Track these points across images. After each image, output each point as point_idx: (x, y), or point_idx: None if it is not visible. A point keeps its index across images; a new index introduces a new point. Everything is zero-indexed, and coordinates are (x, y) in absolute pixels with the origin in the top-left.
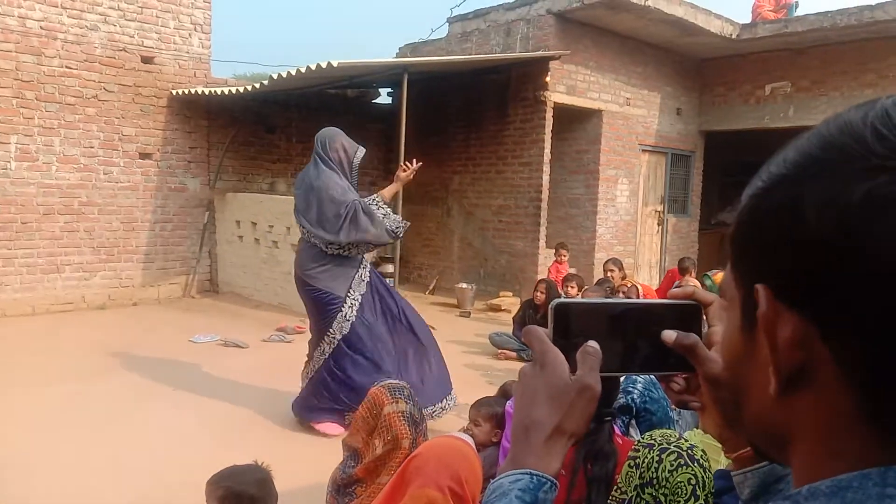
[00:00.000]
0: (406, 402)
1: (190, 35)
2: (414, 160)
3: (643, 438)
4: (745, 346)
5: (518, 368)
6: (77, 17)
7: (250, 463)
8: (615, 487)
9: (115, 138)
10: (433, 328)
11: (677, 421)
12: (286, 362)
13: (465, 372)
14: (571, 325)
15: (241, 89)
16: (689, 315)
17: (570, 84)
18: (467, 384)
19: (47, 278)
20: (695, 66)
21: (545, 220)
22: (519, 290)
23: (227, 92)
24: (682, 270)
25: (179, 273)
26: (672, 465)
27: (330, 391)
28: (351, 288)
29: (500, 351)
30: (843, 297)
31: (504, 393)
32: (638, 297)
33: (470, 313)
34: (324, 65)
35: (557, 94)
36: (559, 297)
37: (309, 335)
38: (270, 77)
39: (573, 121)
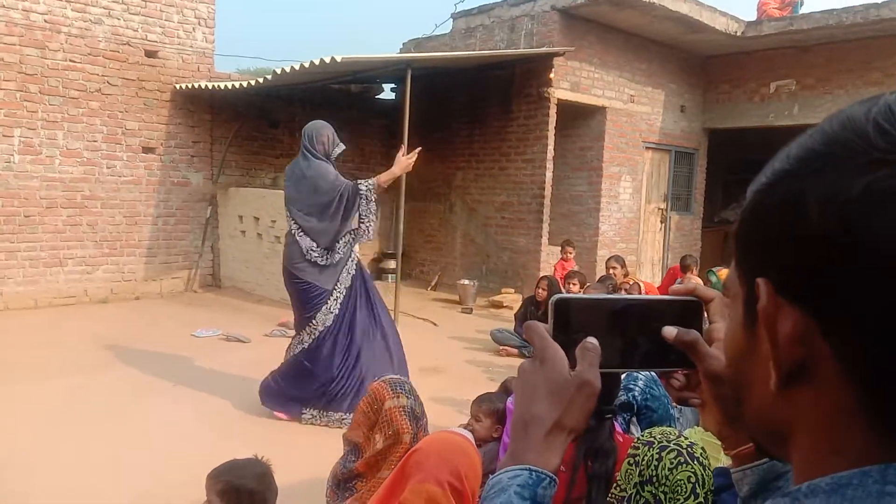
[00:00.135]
0: (407, 396)
1: (194, 29)
2: (417, 151)
3: (643, 436)
4: (747, 342)
5: (519, 365)
6: (81, 11)
7: (250, 457)
8: (615, 485)
9: (119, 132)
10: (435, 324)
11: (678, 418)
12: None
13: (466, 368)
14: (571, 321)
15: (245, 84)
16: (689, 312)
17: (574, 80)
18: (468, 380)
19: (50, 272)
20: (699, 63)
21: (548, 216)
22: (521, 287)
23: (230, 86)
24: (684, 268)
25: (182, 267)
26: (672, 463)
27: (297, 380)
28: (338, 281)
29: (501, 347)
30: (843, 292)
31: (505, 389)
32: (640, 295)
33: (472, 310)
34: (327, 60)
35: (561, 90)
36: (560, 293)
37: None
38: (274, 72)
39: (577, 117)
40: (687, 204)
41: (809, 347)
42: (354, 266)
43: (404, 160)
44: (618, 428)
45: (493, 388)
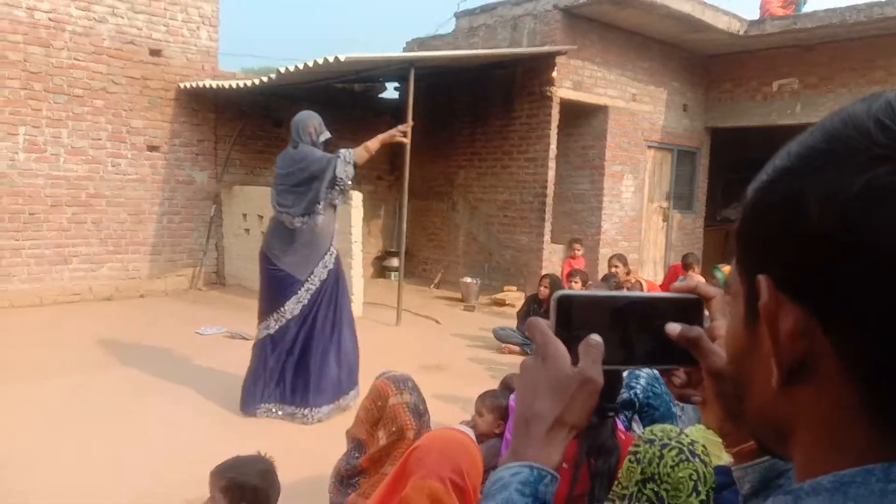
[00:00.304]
0: (410, 393)
1: (198, 28)
2: (408, 124)
3: (644, 434)
4: (749, 339)
5: (521, 361)
6: (85, 9)
7: (254, 454)
8: (616, 482)
9: (123, 130)
10: (438, 322)
11: (680, 416)
12: None
13: (468, 366)
14: (574, 318)
15: (249, 83)
16: (691, 309)
17: (576, 79)
18: (471, 378)
19: (55, 269)
20: (702, 62)
21: (550, 215)
22: (523, 285)
23: (234, 85)
24: (686, 266)
25: (186, 265)
26: (673, 461)
27: (256, 368)
28: (312, 273)
29: (503, 345)
30: (844, 290)
31: (506, 386)
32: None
33: (474, 307)
34: (331, 59)
35: (564, 89)
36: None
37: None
38: (278, 71)
39: (579, 116)
40: (689, 202)
41: (810, 345)
42: (333, 260)
43: (394, 130)
44: (620, 426)
45: (496, 385)
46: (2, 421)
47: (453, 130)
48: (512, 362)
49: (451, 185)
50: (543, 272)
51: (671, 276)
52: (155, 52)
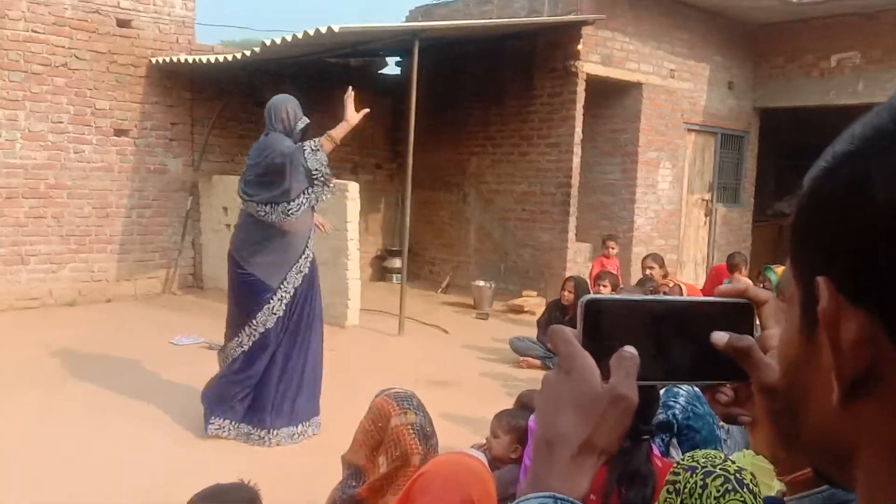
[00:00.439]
0: (416, 413)
1: None
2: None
3: (684, 460)
4: (805, 349)
5: (543, 376)
6: None
7: (236, 481)
8: None
9: (87, 112)
10: (446, 331)
11: (725, 440)
12: None
13: (481, 381)
14: (604, 326)
15: (230, 57)
16: (739, 315)
17: (605, 53)
18: (484, 395)
19: (10, 270)
20: (749, 32)
21: (575, 209)
22: (544, 289)
23: (213, 60)
24: (732, 267)
25: (159, 266)
26: (718, 491)
27: (224, 385)
28: (286, 279)
29: (522, 358)
30: None
31: (522, 404)
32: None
33: (488, 315)
34: (323, 30)
35: (590, 64)
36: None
37: None
38: (262, 44)
39: (609, 95)
40: (735, 194)
41: (876, 355)
42: (308, 264)
43: (352, 113)
44: (655, 450)
45: (512, 404)
46: None
47: (464, 112)
48: (531, 377)
49: (462, 175)
50: (567, 274)
51: (714, 278)
52: (123, 23)
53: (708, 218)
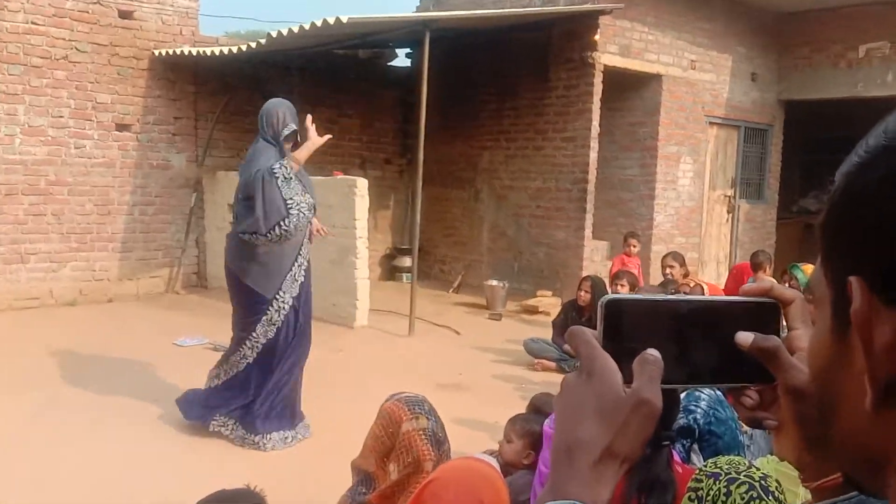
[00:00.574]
0: (427, 418)
1: None
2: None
3: (706, 466)
4: (837, 352)
5: (558, 381)
6: None
7: (241, 487)
8: None
9: (88, 106)
10: (457, 332)
11: (748, 446)
12: None
13: (494, 384)
14: (625, 327)
15: (235, 49)
16: (765, 316)
17: (623, 44)
18: (497, 399)
19: (9, 269)
20: (774, 22)
21: (592, 205)
22: (559, 289)
23: (217, 52)
24: (756, 266)
25: (162, 265)
26: (742, 499)
27: (228, 391)
28: (281, 289)
29: (536, 360)
30: None
31: (535, 408)
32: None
33: (501, 315)
34: (331, 21)
35: (608, 55)
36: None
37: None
38: (269, 35)
39: (627, 88)
40: (759, 190)
41: None
42: (303, 273)
43: (315, 136)
44: (676, 456)
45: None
46: None
47: (476, 105)
48: (546, 380)
49: (474, 170)
50: (584, 273)
51: (735, 277)
52: (125, 15)
53: (730, 215)
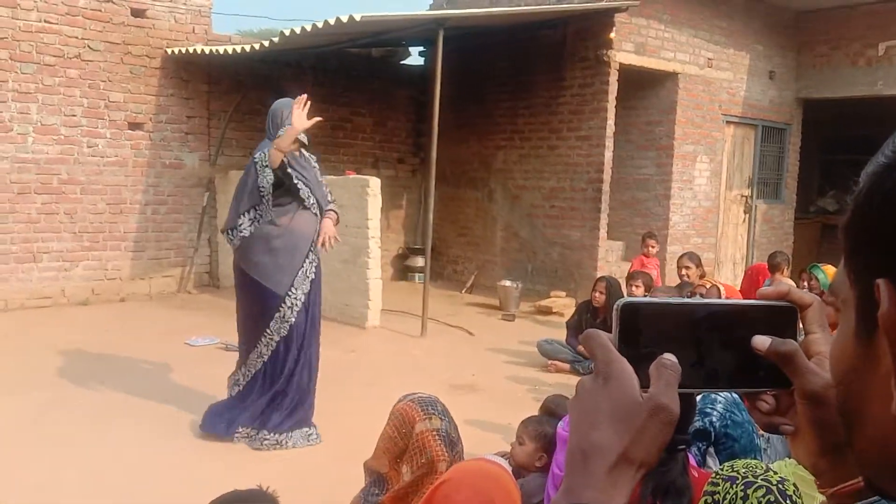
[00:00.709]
0: (441, 418)
1: None
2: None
3: (723, 470)
4: (862, 356)
5: (572, 383)
6: None
7: (254, 487)
8: None
9: (101, 105)
10: (470, 333)
11: (765, 449)
12: None
13: (507, 386)
14: (641, 331)
15: (248, 48)
16: (782, 319)
17: (639, 41)
18: (510, 401)
19: (22, 268)
20: (792, 19)
21: (607, 205)
22: (574, 290)
23: (230, 51)
24: (773, 267)
25: (174, 264)
26: (760, 503)
27: (247, 394)
28: (293, 286)
29: (550, 362)
30: None
31: (548, 410)
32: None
33: (514, 316)
34: (344, 19)
35: (624, 53)
36: (622, 297)
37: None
38: (281, 33)
39: (643, 86)
40: (776, 190)
41: None
42: (314, 269)
43: (297, 120)
44: (692, 460)
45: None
46: None
47: (490, 104)
48: (560, 382)
49: (488, 170)
50: (599, 274)
51: (752, 279)
52: (138, 13)
53: (747, 215)
